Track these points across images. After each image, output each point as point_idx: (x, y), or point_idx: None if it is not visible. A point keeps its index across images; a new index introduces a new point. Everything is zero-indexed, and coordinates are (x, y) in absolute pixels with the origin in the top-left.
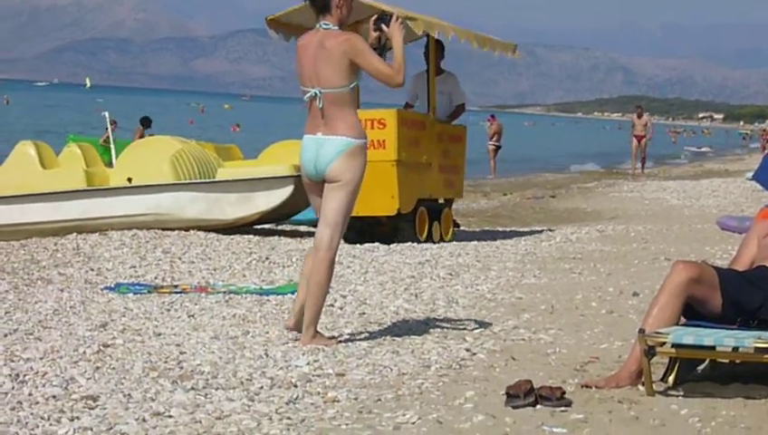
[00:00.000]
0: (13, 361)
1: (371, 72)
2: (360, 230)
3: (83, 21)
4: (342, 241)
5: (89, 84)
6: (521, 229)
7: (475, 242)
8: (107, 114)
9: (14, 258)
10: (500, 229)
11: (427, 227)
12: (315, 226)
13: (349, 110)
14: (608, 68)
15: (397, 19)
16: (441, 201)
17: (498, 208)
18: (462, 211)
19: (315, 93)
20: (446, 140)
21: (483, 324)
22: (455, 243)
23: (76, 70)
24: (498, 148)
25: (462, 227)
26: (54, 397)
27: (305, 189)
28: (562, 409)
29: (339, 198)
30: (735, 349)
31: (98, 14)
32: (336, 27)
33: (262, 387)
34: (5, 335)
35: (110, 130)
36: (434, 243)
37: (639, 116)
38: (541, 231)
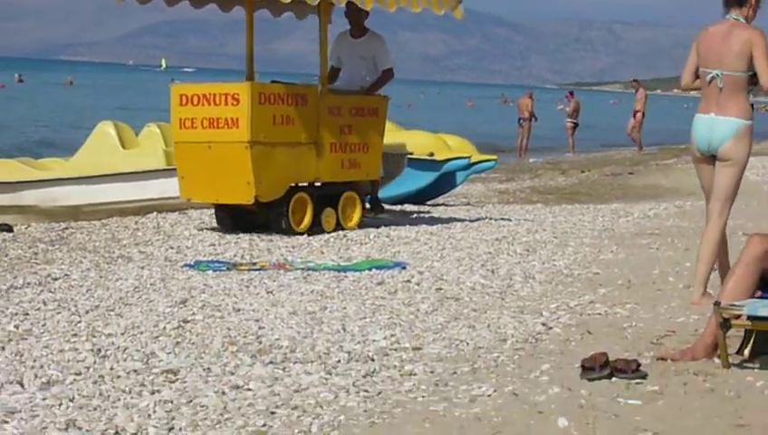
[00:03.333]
0: (95, 336)
1: (755, 65)
2: (235, 217)
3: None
4: (217, 224)
5: (164, 66)
6: (599, 206)
7: (552, 218)
8: None
9: (95, 237)
10: (577, 206)
11: (310, 215)
12: (394, 203)
13: (743, 94)
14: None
15: None
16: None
17: (576, 186)
18: (540, 188)
19: (716, 75)
20: (346, 114)
21: (559, 299)
22: (532, 220)
23: (154, 52)
24: (576, 125)
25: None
26: (135, 371)
27: (694, 163)
28: (638, 381)
29: (729, 175)
30: None
31: None
32: (743, 20)
33: (339, 361)
34: (87, 312)
35: None
36: (327, 233)
37: (636, 90)
38: (618, 208)
